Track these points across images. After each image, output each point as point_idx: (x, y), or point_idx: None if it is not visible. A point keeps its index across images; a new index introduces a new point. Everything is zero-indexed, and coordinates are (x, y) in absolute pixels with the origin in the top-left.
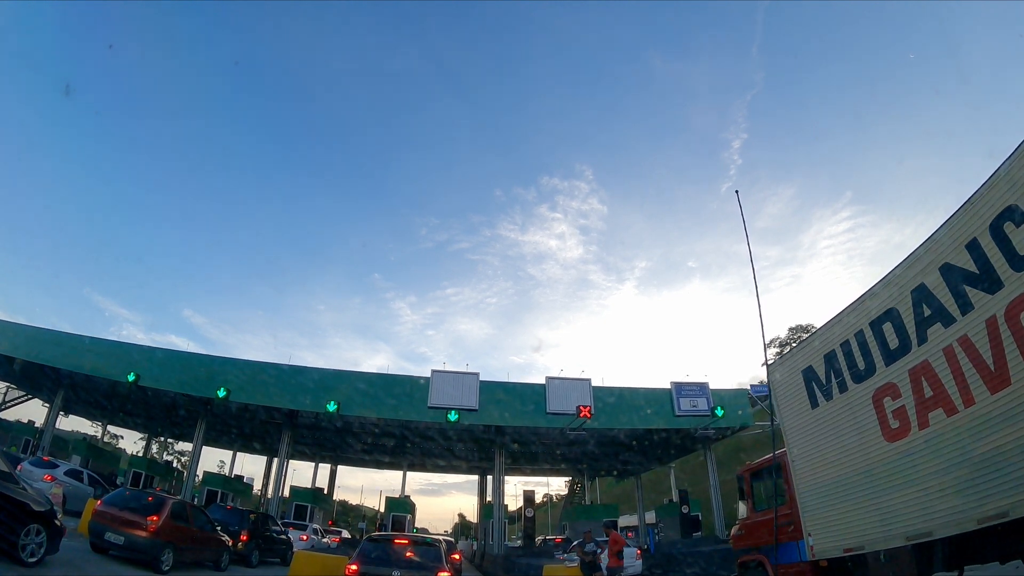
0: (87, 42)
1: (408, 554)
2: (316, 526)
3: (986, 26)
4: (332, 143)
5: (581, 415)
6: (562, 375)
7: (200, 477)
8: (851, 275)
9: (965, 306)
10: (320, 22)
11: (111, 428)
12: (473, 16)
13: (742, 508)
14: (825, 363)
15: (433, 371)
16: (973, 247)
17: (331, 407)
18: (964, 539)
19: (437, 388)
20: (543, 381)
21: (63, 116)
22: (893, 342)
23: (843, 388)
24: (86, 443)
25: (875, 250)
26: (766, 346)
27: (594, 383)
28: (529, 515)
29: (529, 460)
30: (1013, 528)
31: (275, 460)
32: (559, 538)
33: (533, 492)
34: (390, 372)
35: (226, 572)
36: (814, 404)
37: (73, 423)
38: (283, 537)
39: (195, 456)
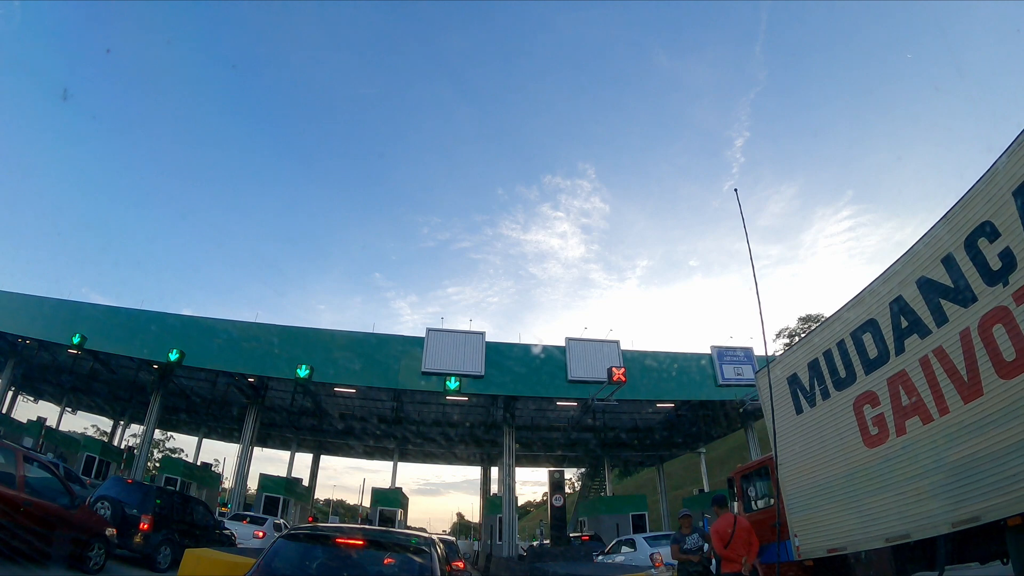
0: (85, 47)
1: (381, 563)
2: (281, 521)
3: (983, 23)
4: (332, 142)
5: (614, 379)
6: (585, 336)
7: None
8: (852, 274)
9: (940, 319)
10: (321, 22)
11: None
12: (476, 14)
13: (736, 507)
14: (809, 371)
15: (428, 329)
16: (949, 262)
17: (302, 372)
18: (944, 540)
19: (433, 350)
20: (562, 343)
21: (61, 120)
22: (873, 352)
23: (826, 395)
24: (39, 425)
25: (876, 248)
26: (767, 343)
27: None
28: (558, 503)
29: (540, 446)
30: (988, 531)
31: (254, 447)
32: (586, 536)
33: (562, 473)
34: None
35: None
36: (799, 410)
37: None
38: (223, 532)
39: (147, 435)
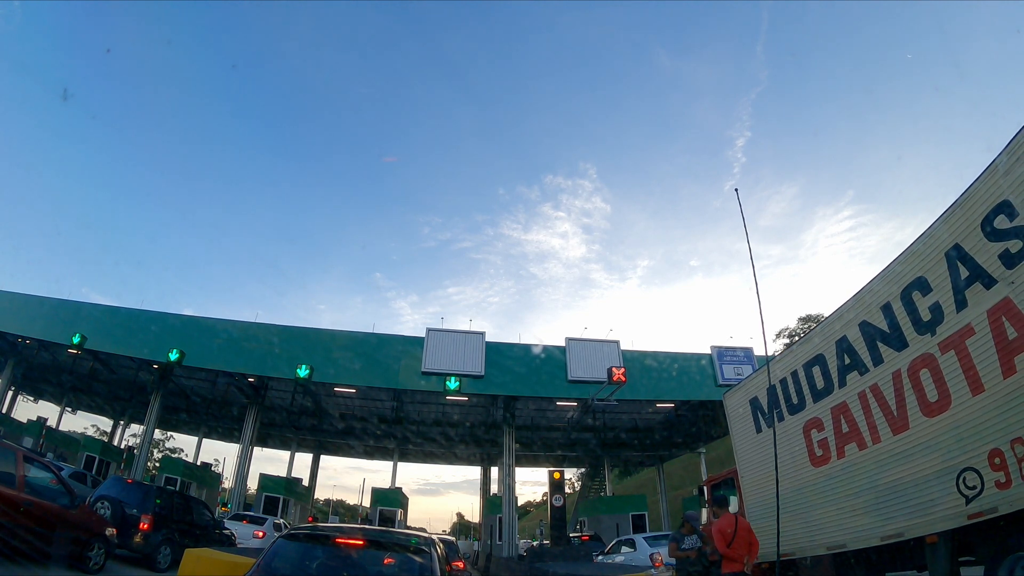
0: (85, 47)
1: (381, 563)
2: (281, 521)
3: (983, 23)
4: (333, 142)
5: (614, 379)
6: (585, 336)
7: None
8: (852, 274)
9: (877, 359)
10: (320, 22)
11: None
12: (476, 14)
13: (704, 514)
14: (768, 396)
15: (428, 329)
16: (887, 309)
17: (302, 372)
18: (881, 550)
19: (433, 350)
20: (563, 343)
21: (61, 120)
22: (820, 383)
23: (781, 418)
24: (39, 425)
25: (876, 248)
26: (767, 343)
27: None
28: (558, 503)
29: (540, 446)
30: (918, 544)
31: (254, 447)
32: (586, 536)
33: (562, 472)
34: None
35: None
36: (758, 429)
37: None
38: (223, 532)
39: (147, 435)
